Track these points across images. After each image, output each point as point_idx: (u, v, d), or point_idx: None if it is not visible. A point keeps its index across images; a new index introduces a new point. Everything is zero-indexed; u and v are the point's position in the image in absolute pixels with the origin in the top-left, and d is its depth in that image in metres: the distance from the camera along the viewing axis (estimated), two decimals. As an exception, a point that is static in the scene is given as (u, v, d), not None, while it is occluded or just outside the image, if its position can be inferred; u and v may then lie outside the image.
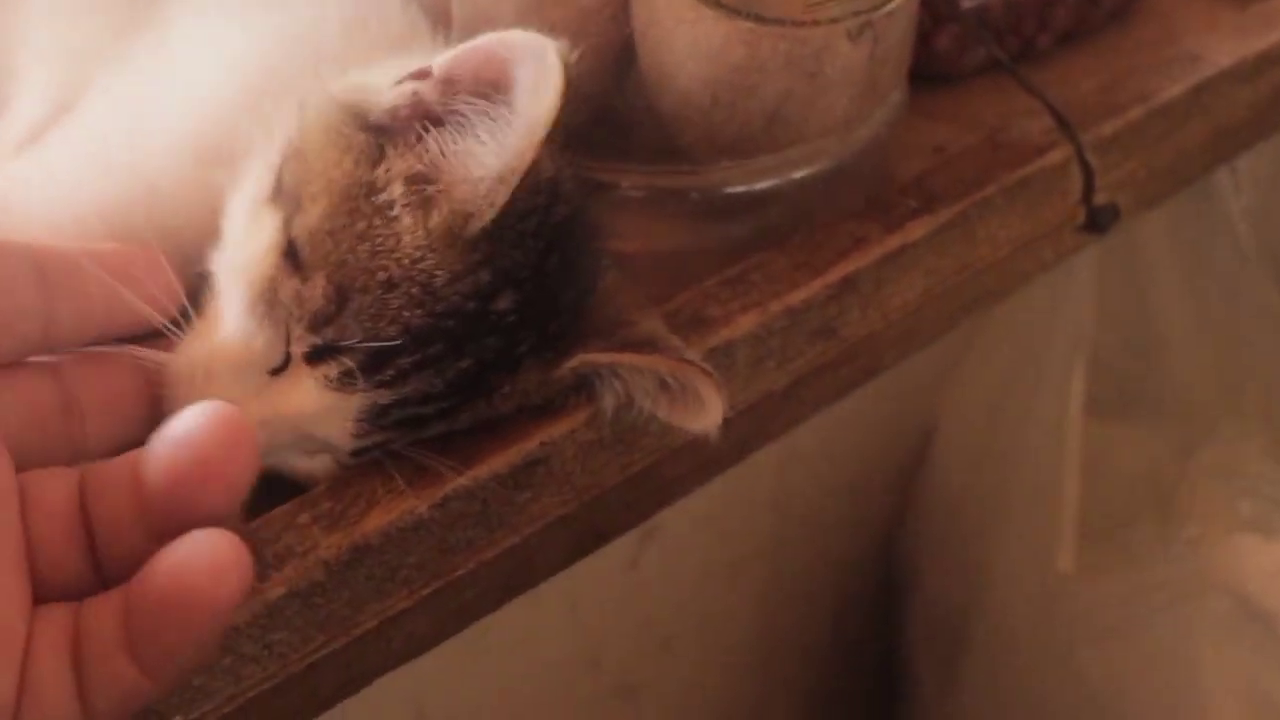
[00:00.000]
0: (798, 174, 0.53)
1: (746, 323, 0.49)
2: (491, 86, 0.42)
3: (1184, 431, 0.89)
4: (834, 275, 0.51)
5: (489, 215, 0.41)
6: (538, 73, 0.40)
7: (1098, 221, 0.60)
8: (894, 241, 0.53)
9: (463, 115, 0.42)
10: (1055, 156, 0.58)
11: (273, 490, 0.43)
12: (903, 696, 1.03)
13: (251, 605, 0.40)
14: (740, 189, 0.53)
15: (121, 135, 0.49)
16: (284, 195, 0.43)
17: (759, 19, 0.48)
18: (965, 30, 0.62)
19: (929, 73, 0.62)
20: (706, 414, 0.44)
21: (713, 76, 0.49)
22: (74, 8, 0.52)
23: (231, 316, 0.43)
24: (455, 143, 0.42)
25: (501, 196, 0.41)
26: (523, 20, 0.47)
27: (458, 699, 0.74)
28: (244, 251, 0.44)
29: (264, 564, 0.41)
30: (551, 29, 0.44)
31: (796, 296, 0.50)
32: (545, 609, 0.73)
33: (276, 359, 0.43)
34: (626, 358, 0.44)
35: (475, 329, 0.42)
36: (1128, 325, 0.91)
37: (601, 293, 0.46)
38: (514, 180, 0.41)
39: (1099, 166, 0.59)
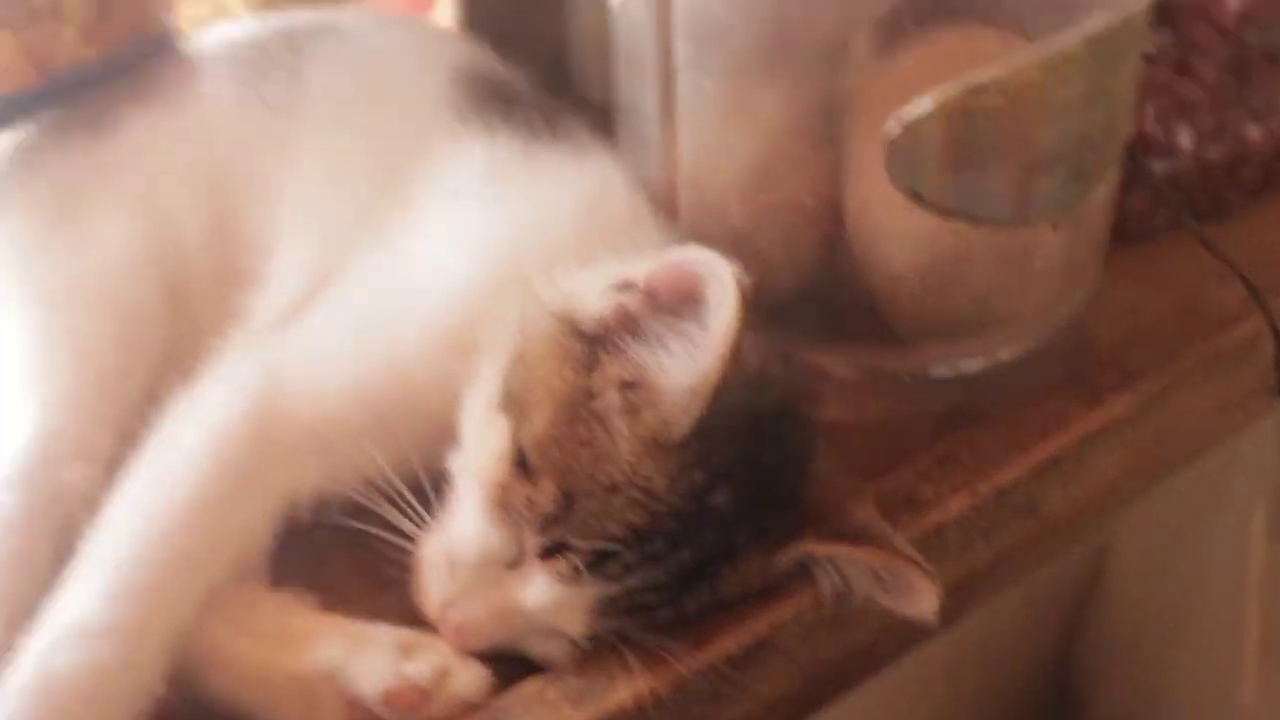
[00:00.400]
0: (1003, 354, 0.56)
1: (957, 504, 0.51)
2: (685, 300, 0.45)
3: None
4: (1039, 454, 0.53)
5: (687, 424, 0.44)
6: (720, 293, 0.43)
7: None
8: (1095, 418, 0.55)
9: (661, 329, 0.45)
10: (1247, 327, 0.59)
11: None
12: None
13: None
14: (947, 371, 0.55)
15: (378, 322, 0.53)
16: (511, 401, 0.47)
17: (971, 218, 0.50)
18: (1157, 193, 0.64)
19: (1121, 233, 0.63)
20: (922, 602, 0.46)
21: (923, 265, 0.52)
22: (327, 191, 0.57)
23: (470, 514, 0.47)
24: (655, 355, 0.45)
25: (696, 408, 0.44)
26: (745, 203, 0.50)
27: None
28: (479, 456, 0.47)
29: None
30: (768, 212, 0.47)
31: (1005, 476, 0.52)
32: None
33: (511, 555, 0.46)
34: (843, 550, 0.47)
35: (694, 525, 0.45)
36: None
37: (815, 475, 0.49)
38: (707, 392, 0.43)
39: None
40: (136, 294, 0.56)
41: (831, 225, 0.53)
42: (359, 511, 0.49)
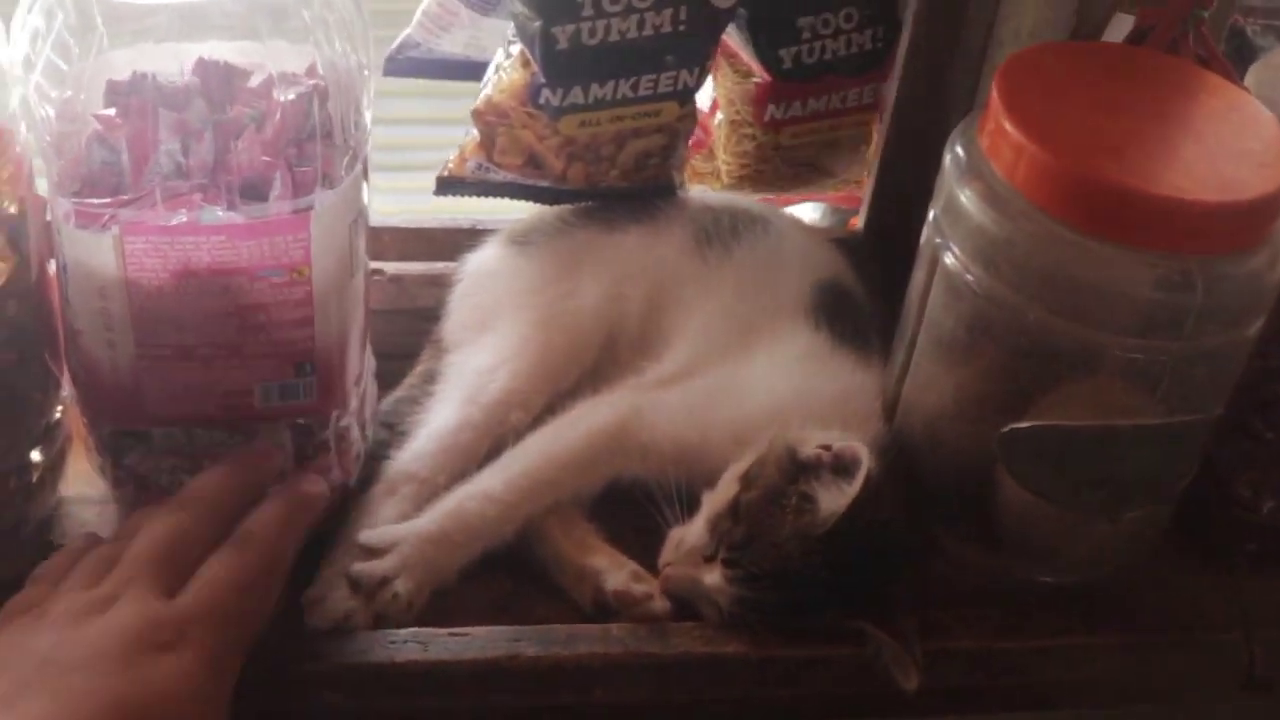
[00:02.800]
0: (1066, 579, 0.88)
1: (968, 645, 0.85)
2: (845, 469, 0.81)
3: None
4: (1034, 643, 0.86)
5: (820, 531, 0.80)
6: (858, 475, 0.79)
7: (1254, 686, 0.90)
8: (1083, 639, 0.86)
9: (829, 476, 0.81)
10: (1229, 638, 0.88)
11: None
12: None
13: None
14: (1022, 575, 0.88)
15: (711, 404, 0.90)
16: (747, 477, 0.84)
17: (1048, 500, 0.84)
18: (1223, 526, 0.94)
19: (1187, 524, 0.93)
20: (907, 681, 0.80)
21: (1028, 507, 0.85)
22: (715, 323, 0.94)
23: (699, 525, 0.85)
24: (822, 490, 0.81)
25: (829, 524, 0.79)
26: (960, 408, 0.85)
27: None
28: (720, 497, 0.85)
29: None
30: (952, 436, 0.82)
31: (1001, 644, 0.85)
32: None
33: (709, 553, 0.84)
34: (882, 636, 0.81)
35: (807, 583, 0.81)
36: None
37: (894, 587, 0.84)
38: (834, 521, 0.79)
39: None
40: (589, 331, 0.95)
41: (987, 456, 0.86)
42: (650, 499, 0.88)
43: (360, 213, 0.76)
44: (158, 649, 0.61)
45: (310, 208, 0.71)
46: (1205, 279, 0.74)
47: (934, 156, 0.85)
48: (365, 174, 0.77)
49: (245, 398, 0.76)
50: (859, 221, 1.14)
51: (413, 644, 0.79)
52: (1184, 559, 0.92)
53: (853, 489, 0.79)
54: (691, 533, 0.85)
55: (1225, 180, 0.74)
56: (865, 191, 1.12)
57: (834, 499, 0.80)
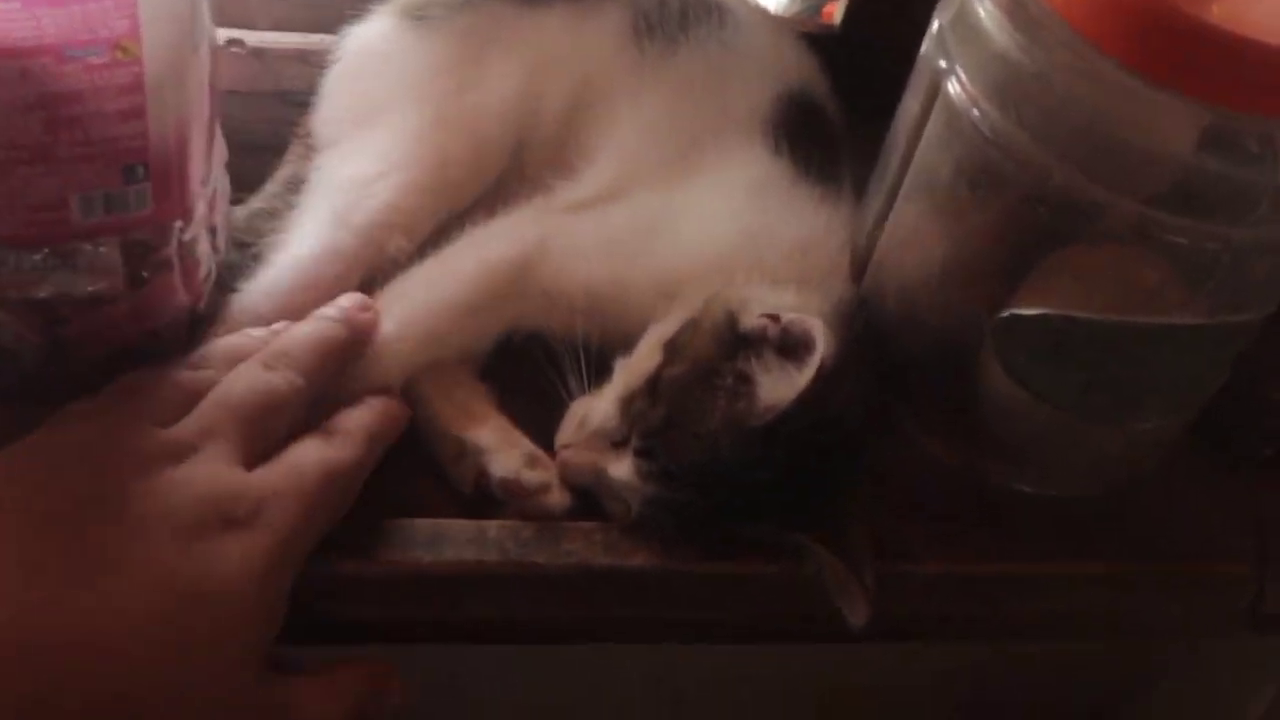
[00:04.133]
0: (1052, 490, 0.72)
1: (933, 569, 0.69)
2: (797, 349, 0.64)
3: None
4: (1014, 569, 0.70)
5: (758, 423, 0.63)
6: (811, 361, 0.62)
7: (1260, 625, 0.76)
8: (1072, 566, 0.71)
9: (775, 357, 0.64)
10: (1238, 571, 0.73)
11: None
12: None
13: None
14: (1003, 483, 0.72)
15: (631, 241, 0.73)
16: (672, 345, 0.67)
17: (1042, 399, 0.67)
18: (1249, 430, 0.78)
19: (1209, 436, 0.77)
20: (855, 615, 0.65)
21: (1018, 402, 0.68)
22: (647, 135, 0.76)
23: (609, 400, 0.67)
24: (763, 373, 0.64)
25: (769, 417, 0.63)
26: (913, 293, 0.67)
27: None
28: (636, 367, 0.67)
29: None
30: (932, 308, 0.65)
31: (977, 569, 0.69)
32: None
33: (619, 438, 0.67)
34: (826, 555, 0.65)
35: (737, 483, 0.64)
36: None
37: (846, 495, 0.67)
38: (777, 413, 0.63)
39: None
40: (495, 136, 0.76)
41: (971, 334, 0.69)
42: (551, 358, 0.70)
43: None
44: (228, 524, 0.55)
45: (138, -42, 0.54)
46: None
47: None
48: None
49: (60, 211, 0.60)
50: (836, 11, 0.93)
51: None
52: (1192, 467, 0.77)
53: (801, 378, 0.62)
54: (599, 409, 0.68)
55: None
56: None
57: (777, 387, 0.64)
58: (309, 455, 0.60)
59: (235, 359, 0.62)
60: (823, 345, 0.62)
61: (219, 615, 0.54)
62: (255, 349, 0.63)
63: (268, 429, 0.60)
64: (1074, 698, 1.13)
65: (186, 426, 0.58)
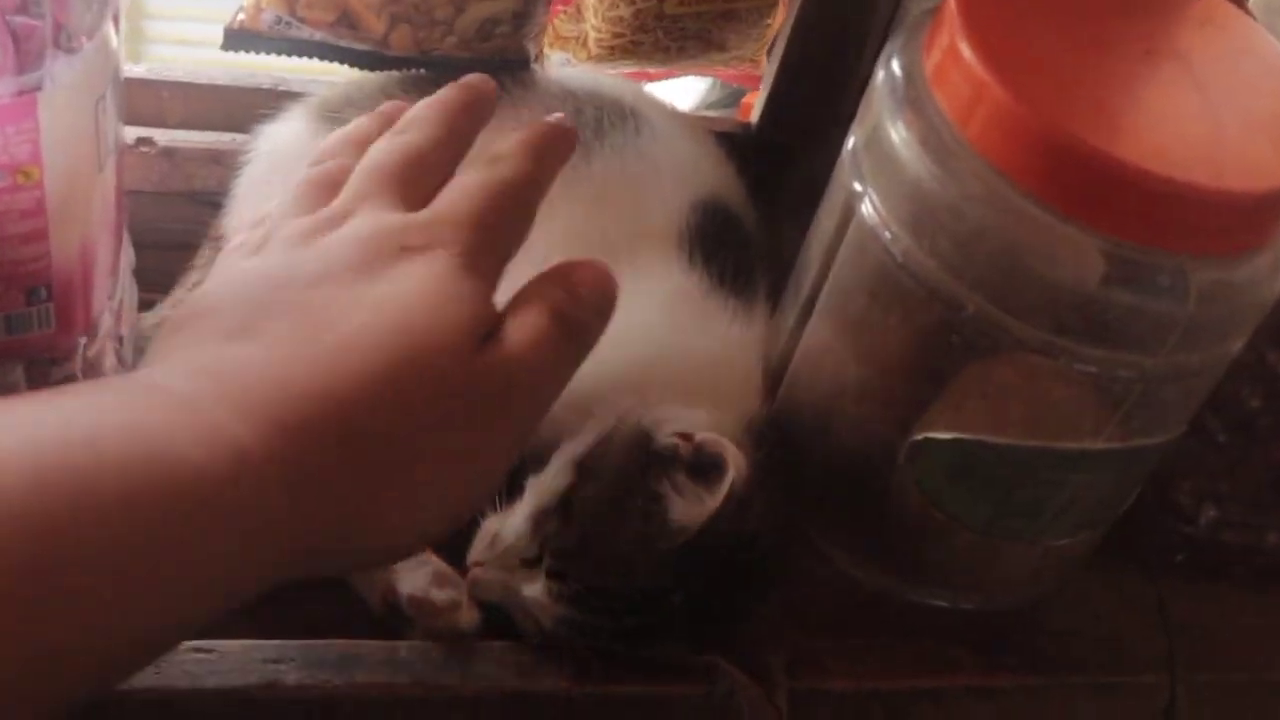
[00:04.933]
0: (965, 605, 0.72)
1: (843, 685, 0.68)
2: (709, 470, 0.63)
3: None
4: (925, 682, 0.70)
5: (671, 546, 0.62)
6: (721, 483, 0.61)
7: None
8: (981, 679, 0.71)
9: (687, 478, 0.64)
10: (1152, 681, 0.73)
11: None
12: None
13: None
14: (917, 599, 0.72)
15: None
16: (586, 463, 0.66)
17: (953, 519, 0.67)
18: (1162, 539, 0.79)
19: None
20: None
21: (929, 521, 0.68)
22: (560, 244, 0.74)
23: (521, 518, 0.66)
24: (675, 494, 0.64)
25: (680, 539, 0.62)
26: (860, 383, 0.67)
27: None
28: (548, 485, 0.66)
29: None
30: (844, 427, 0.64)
31: (888, 684, 0.69)
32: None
33: (530, 556, 0.66)
34: (739, 676, 0.65)
35: (649, 607, 0.64)
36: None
37: (759, 615, 0.67)
38: (689, 534, 0.62)
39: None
40: None
41: (885, 453, 0.69)
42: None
43: (114, 82, 0.59)
44: (404, 253, 0.53)
45: (38, 87, 0.53)
46: (1200, 285, 0.56)
47: (859, 37, 0.65)
48: (116, 24, 0.58)
49: (-37, 334, 0.59)
50: (754, 113, 0.94)
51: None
52: (1105, 570, 0.77)
53: (713, 501, 0.62)
54: (510, 526, 0.67)
55: (1237, 158, 0.56)
56: (765, 76, 0.92)
57: (689, 509, 0.64)
58: (471, 181, 0.58)
59: (359, 143, 0.61)
60: (734, 467, 0.62)
61: (428, 324, 0.52)
62: (373, 128, 0.62)
63: (419, 182, 0.58)
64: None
65: (341, 200, 0.57)
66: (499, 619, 0.67)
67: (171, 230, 0.79)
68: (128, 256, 0.70)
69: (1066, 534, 0.68)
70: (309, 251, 0.54)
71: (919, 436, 0.64)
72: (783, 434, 0.69)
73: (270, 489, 0.45)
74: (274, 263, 0.55)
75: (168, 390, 0.47)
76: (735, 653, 0.65)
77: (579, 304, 0.57)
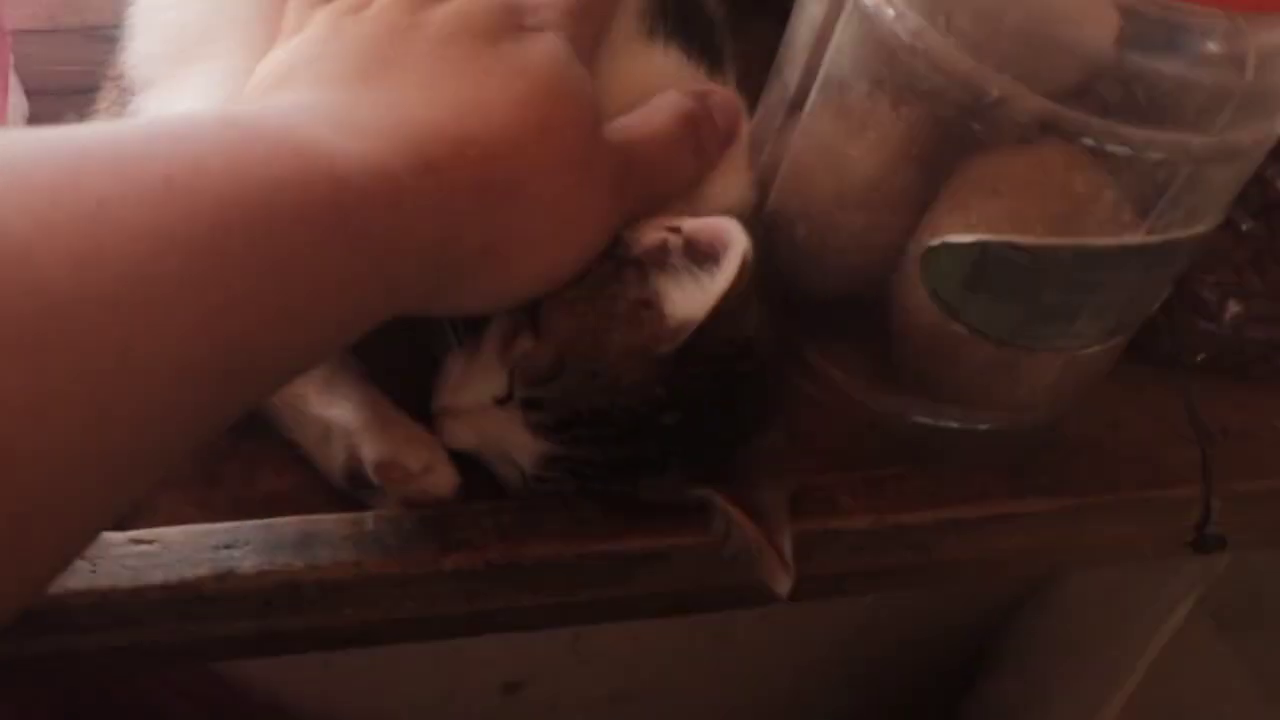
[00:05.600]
0: (980, 426, 0.66)
1: (863, 521, 0.62)
2: (708, 256, 0.55)
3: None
4: (947, 513, 0.64)
5: (668, 348, 0.55)
6: (731, 259, 0.53)
7: (1204, 546, 0.70)
8: (1009, 506, 0.64)
9: (683, 270, 0.56)
10: (1186, 491, 0.68)
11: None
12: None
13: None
14: (926, 420, 0.65)
15: None
16: None
17: (973, 330, 0.60)
18: (1185, 339, 0.72)
19: (1145, 353, 0.71)
20: (776, 586, 0.58)
21: (937, 330, 0.61)
22: None
23: (491, 344, 0.58)
24: (669, 288, 0.56)
25: (680, 337, 0.54)
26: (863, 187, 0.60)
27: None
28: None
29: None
30: (845, 225, 0.57)
31: (911, 518, 0.63)
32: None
33: (503, 393, 0.58)
34: (737, 515, 0.58)
35: (640, 430, 0.56)
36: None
37: (759, 443, 0.59)
38: (692, 329, 0.54)
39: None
40: None
41: (889, 261, 0.62)
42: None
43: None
44: (522, 31, 0.54)
45: None
46: (1259, 51, 0.49)
47: None
48: None
49: None
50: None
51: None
52: (1121, 378, 0.71)
53: (721, 279, 0.53)
54: (478, 361, 0.59)
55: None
56: None
57: (689, 298, 0.55)
58: None
59: None
60: (741, 240, 0.54)
61: (560, 94, 0.53)
62: None
63: None
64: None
65: None
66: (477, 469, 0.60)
67: (67, 73, 0.69)
68: (19, 104, 0.61)
69: (1098, 339, 0.61)
70: (429, 14, 0.54)
71: (935, 242, 0.56)
72: (772, 242, 0.62)
73: (423, 221, 0.47)
74: (392, 19, 0.54)
75: (313, 121, 0.48)
76: (733, 492, 0.58)
77: (709, 121, 0.58)
